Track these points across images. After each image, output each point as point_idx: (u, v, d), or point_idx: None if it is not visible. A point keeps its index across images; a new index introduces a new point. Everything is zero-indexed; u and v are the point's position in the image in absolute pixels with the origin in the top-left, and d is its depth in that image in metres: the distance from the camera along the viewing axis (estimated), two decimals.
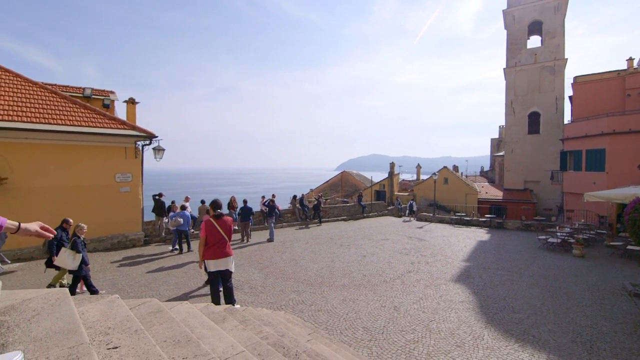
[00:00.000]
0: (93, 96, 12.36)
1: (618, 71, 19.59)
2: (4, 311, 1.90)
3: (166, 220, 11.86)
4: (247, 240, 12.56)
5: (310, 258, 10.12)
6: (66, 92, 11.81)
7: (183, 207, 10.56)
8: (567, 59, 27.55)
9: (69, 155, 10.06)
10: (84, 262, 6.25)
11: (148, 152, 11.88)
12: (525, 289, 7.53)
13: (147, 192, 12.70)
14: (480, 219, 18.95)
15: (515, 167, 30.00)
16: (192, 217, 11.01)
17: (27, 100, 9.95)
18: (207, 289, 6.84)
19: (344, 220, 19.71)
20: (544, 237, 12.69)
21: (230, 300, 5.10)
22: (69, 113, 10.28)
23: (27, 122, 9.24)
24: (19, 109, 9.51)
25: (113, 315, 2.23)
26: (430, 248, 11.87)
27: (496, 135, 48.18)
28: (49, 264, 6.69)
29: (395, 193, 32.30)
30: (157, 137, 11.37)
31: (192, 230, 11.20)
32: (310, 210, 18.44)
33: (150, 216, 12.58)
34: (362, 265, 9.38)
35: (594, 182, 16.33)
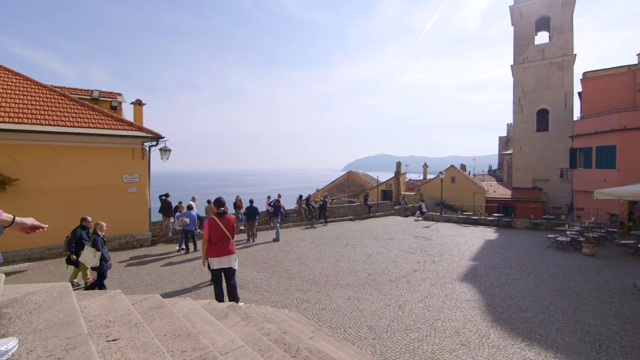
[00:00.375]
0: (101, 98, 12.57)
1: (629, 66, 19.18)
2: (6, 304, 1.95)
3: (173, 220, 11.97)
4: (253, 240, 12.61)
5: (315, 257, 10.12)
6: (75, 94, 12.02)
7: (189, 207, 10.66)
8: (576, 54, 27.08)
9: (77, 157, 10.24)
10: (104, 259, 6.42)
11: (155, 154, 12.05)
12: (533, 287, 7.42)
13: (155, 193, 12.87)
14: (488, 218, 18.73)
15: (523, 166, 29.58)
16: (199, 217, 11.11)
17: (37, 102, 10.15)
18: (212, 287, 6.90)
19: (350, 220, 19.68)
20: (552, 235, 12.48)
21: (233, 297, 5.13)
22: (77, 115, 10.46)
23: (37, 124, 9.43)
24: (29, 111, 9.71)
25: (114, 310, 2.26)
26: (437, 247, 11.77)
27: (504, 134, 47.60)
28: (69, 261, 6.97)
29: (402, 193, 32.12)
30: (163, 138, 11.50)
31: (199, 230, 11.30)
32: (316, 210, 18.45)
33: (157, 216, 12.73)
34: (367, 264, 9.35)
35: (604, 179, 16.01)
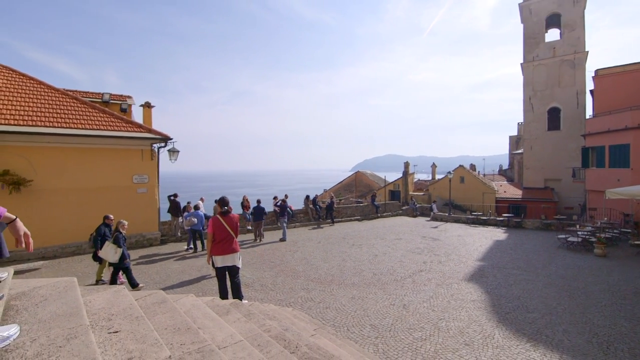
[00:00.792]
0: (111, 101, 12.86)
1: None
2: (15, 296, 2.04)
3: (181, 220, 12.16)
4: (260, 240, 12.71)
5: (321, 257, 10.16)
6: (86, 97, 12.34)
7: (197, 207, 10.82)
8: (587, 51, 26.50)
9: (89, 158, 10.51)
10: (124, 256, 6.71)
11: (164, 155, 12.26)
12: (541, 288, 7.31)
13: (165, 193, 13.10)
14: (498, 218, 18.48)
15: (534, 165, 29.08)
16: (206, 217, 11.27)
17: (50, 106, 10.46)
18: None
19: (358, 220, 19.65)
20: (563, 236, 12.26)
21: (237, 295, 5.21)
22: (88, 117, 10.73)
23: (50, 126, 9.71)
24: (42, 114, 10.01)
25: (117, 304, 2.34)
26: (444, 247, 11.68)
27: (515, 133, 46.87)
28: (95, 257, 7.25)
29: (410, 193, 31.92)
30: (172, 139, 11.71)
31: (206, 230, 11.46)
32: (323, 210, 18.48)
33: (166, 216, 12.95)
34: (373, 264, 9.34)
35: (618, 178, 15.65)
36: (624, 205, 14.78)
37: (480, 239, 13.42)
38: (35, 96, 10.59)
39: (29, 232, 1.88)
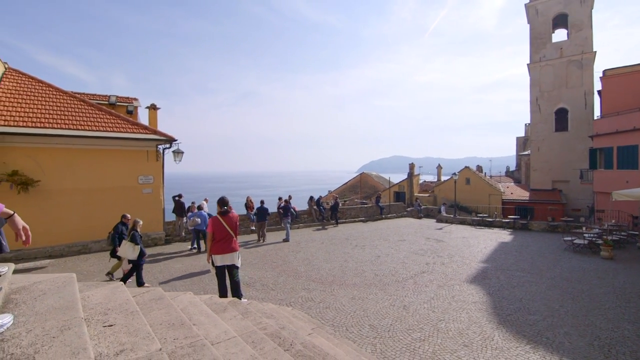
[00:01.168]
0: (117, 103, 13.09)
1: None
2: (15, 290, 2.11)
3: (185, 220, 12.30)
4: (263, 241, 12.79)
5: (323, 258, 10.18)
6: (93, 99, 12.58)
7: (200, 208, 10.94)
8: (595, 51, 26.16)
9: (95, 159, 10.71)
10: (142, 253, 6.97)
11: (169, 156, 12.43)
12: (545, 290, 7.24)
13: (171, 194, 13.23)
14: (504, 220, 18.29)
15: (542, 167, 28.75)
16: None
17: (58, 108, 10.69)
18: None
19: (362, 221, 19.63)
20: (569, 238, 12.10)
21: (236, 294, 5.26)
22: (95, 119, 10.94)
23: (58, 128, 9.93)
24: (50, 116, 10.24)
25: (114, 299, 2.40)
26: (448, 249, 11.61)
27: (522, 134, 46.40)
28: (113, 254, 7.48)
29: (415, 194, 31.78)
30: (176, 140, 11.87)
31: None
32: (327, 211, 18.51)
33: (171, 216, 13.10)
34: (375, 265, 9.33)
35: (626, 180, 15.41)
36: (633, 208, 14.54)
37: (485, 241, 13.31)
38: (43, 98, 10.83)
39: (27, 226, 1.94)
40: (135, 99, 13.64)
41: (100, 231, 10.73)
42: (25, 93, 10.70)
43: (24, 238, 1.88)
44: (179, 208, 12.63)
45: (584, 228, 13.87)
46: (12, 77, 11.17)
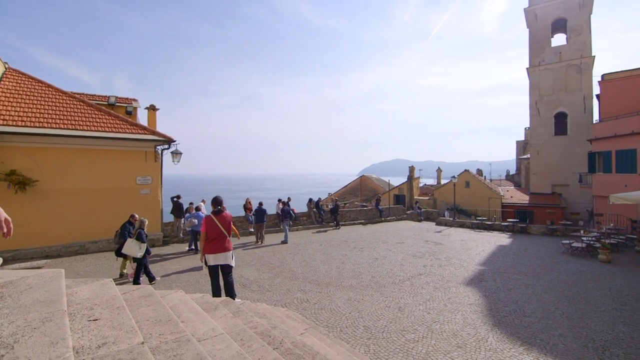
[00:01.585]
0: (117, 104, 13.14)
1: None
2: (2, 285, 2.12)
3: (183, 222, 12.30)
4: (261, 242, 12.77)
5: (321, 260, 10.17)
6: (92, 100, 12.63)
7: (197, 209, 10.95)
8: (594, 56, 26.24)
9: (93, 159, 10.74)
10: (147, 252, 7.24)
11: (169, 158, 12.46)
12: (541, 293, 7.22)
13: (171, 195, 13.23)
14: (503, 223, 18.27)
15: (541, 170, 28.74)
16: None
17: (57, 108, 10.74)
18: None
19: (361, 224, 19.61)
20: (567, 241, 12.08)
21: (230, 294, 5.25)
22: (94, 120, 10.98)
23: (56, 128, 9.96)
24: (49, 116, 10.28)
25: (101, 295, 2.41)
26: (446, 252, 11.59)
27: (522, 138, 46.43)
28: (118, 253, 7.60)
29: (415, 197, 31.76)
30: (175, 141, 11.90)
31: None
32: (326, 213, 18.50)
33: (169, 217, 13.10)
34: (372, 267, 9.32)
35: (625, 184, 15.40)
36: (632, 211, 14.53)
37: (484, 244, 13.29)
38: (43, 98, 10.89)
39: (9, 218, 1.95)
40: (135, 100, 13.70)
41: (97, 232, 10.76)
42: (24, 93, 10.76)
43: (5, 230, 1.89)
44: (177, 209, 12.63)
45: (582, 231, 13.85)
46: (12, 77, 11.23)
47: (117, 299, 2.35)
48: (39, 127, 9.72)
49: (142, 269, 7.30)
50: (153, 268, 8.97)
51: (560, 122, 27.84)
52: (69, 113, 10.73)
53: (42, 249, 9.80)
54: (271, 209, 15.49)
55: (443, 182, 35.54)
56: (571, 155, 26.94)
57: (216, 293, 5.24)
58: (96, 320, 2.00)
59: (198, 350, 1.98)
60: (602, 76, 19.53)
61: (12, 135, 9.34)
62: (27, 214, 9.61)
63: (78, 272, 8.52)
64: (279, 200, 15.07)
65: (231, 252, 5.32)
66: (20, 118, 9.71)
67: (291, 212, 15.60)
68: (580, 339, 5.02)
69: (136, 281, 7.19)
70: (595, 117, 25.26)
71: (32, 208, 9.59)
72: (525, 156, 38.25)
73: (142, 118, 14.23)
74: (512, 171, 50.68)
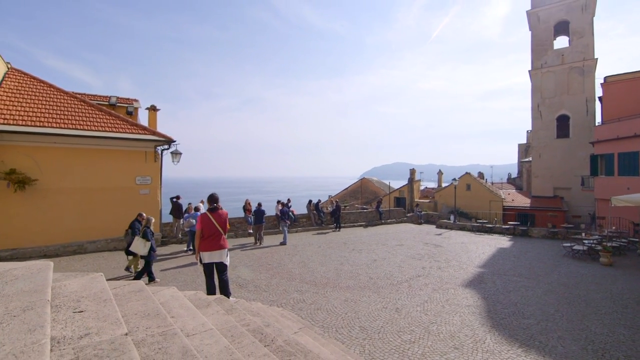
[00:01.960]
0: (118, 104, 13.19)
1: None
2: None
3: (182, 222, 12.29)
4: (260, 243, 12.74)
5: (319, 261, 10.12)
6: (93, 100, 12.68)
7: (196, 209, 10.93)
8: (597, 59, 26.17)
9: (93, 159, 10.76)
10: (152, 249, 7.40)
11: (168, 159, 12.47)
12: (541, 295, 7.15)
13: (170, 196, 13.23)
14: (503, 226, 18.16)
15: (543, 173, 28.59)
16: None
17: (58, 107, 10.78)
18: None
19: (361, 226, 19.54)
20: (569, 244, 11.98)
21: (224, 292, 5.22)
22: (94, 119, 11.02)
23: (56, 127, 10.00)
24: (50, 115, 10.32)
25: (90, 288, 2.39)
26: (446, 254, 11.52)
27: (524, 141, 46.26)
28: (128, 251, 7.90)
29: (416, 200, 31.66)
30: (175, 141, 11.91)
31: None
32: (326, 215, 18.45)
33: (168, 218, 13.09)
34: (371, 268, 9.26)
35: (627, 187, 15.28)
36: (634, 214, 14.41)
37: (484, 247, 13.20)
38: (44, 98, 10.94)
39: None
40: (136, 100, 13.75)
41: (96, 231, 10.77)
42: (26, 92, 10.82)
43: None
44: (177, 209, 12.62)
45: (583, 234, 13.74)
46: (14, 77, 11.30)
47: (105, 292, 2.33)
48: (40, 126, 9.76)
49: (149, 267, 7.51)
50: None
51: (563, 125, 27.73)
52: (69, 113, 10.77)
53: (41, 248, 9.81)
54: (271, 210, 15.47)
55: (444, 185, 35.43)
56: (573, 158, 26.80)
57: (211, 291, 5.21)
58: (81, 312, 1.97)
59: (184, 343, 1.95)
60: (605, 78, 19.46)
61: (13, 134, 9.38)
62: (26, 213, 9.63)
63: (75, 271, 8.48)
64: (278, 202, 15.05)
65: (226, 250, 5.30)
66: (21, 117, 9.76)
67: (290, 213, 15.57)
68: (580, 341, 4.95)
69: (151, 277, 7.51)
70: (598, 119, 25.17)
71: (31, 207, 9.61)
72: (527, 159, 38.10)
73: (143, 119, 14.28)
74: (514, 174, 50.47)
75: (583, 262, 10.52)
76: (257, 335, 3.07)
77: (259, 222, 12.73)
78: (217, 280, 5.44)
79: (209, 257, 5.12)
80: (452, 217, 22.75)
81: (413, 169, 32.97)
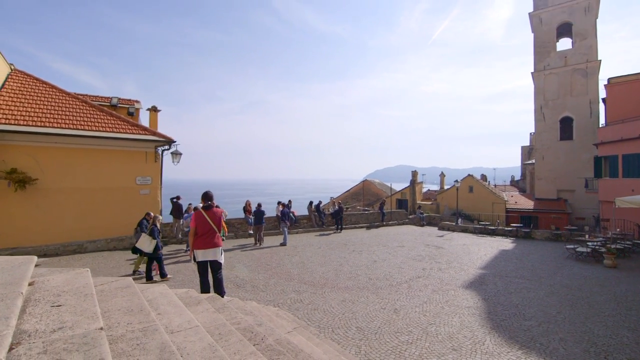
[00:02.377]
0: (119, 105, 13.24)
1: None
2: None
3: (182, 222, 12.27)
4: (260, 244, 12.68)
5: (318, 262, 10.04)
6: (95, 101, 12.73)
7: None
8: (600, 60, 25.97)
9: (94, 159, 10.79)
10: (157, 247, 7.51)
11: (168, 159, 12.48)
12: (543, 297, 7.02)
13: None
14: (506, 228, 17.96)
15: (546, 176, 28.32)
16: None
17: (59, 108, 10.83)
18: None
19: (363, 228, 19.43)
20: (572, 246, 11.80)
21: (219, 291, 5.14)
22: (96, 120, 11.05)
23: (58, 127, 10.03)
24: (51, 115, 10.37)
25: (73, 283, 2.34)
26: (447, 256, 11.39)
27: (527, 144, 45.96)
28: (134, 250, 7.96)
29: (418, 202, 31.49)
30: (175, 142, 11.92)
31: None
32: (327, 216, 18.37)
33: (169, 218, 13.07)
34: (370, 269, 9.17)
35: (632, 189, 15.06)
36: (638, 216, 14.20)
37: (486, 248, 13.05)
38: (46, 99, 11.00)
39: None
40: (137, 101, 13.79)
41: (96, 231, 10.76)
42: (28, 93, 10.88)
43: None
44: (177, 210, 12.60)
45: (587, 236, 13.55)
46: (17, 78, 11.38)
47: (88, 288, 2.28)
48: (41, 126, 9.80)
49: (152, 264, 7.65)
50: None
51: (566, 127, 27.50)
52: (70, 113, 10.81)
53: (41, 247, 9.81)
54: (272, 212, 15.41)
55: (446, 187, 35.24)
56: (577, 160, 26.54)
57: (205, 290, 5.15)
58: (60, 306, 1.92)
59: (164, 339, 1.89)
60: (609, 79, 19.28)
61: (14, 134, 9.42)
62: (27, 213, 9.65)
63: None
64: (279, 203, 14.99)
65: (221, 248, 5.24)
66: (22, 117, 9.80)
67: (291, 214, 15.51)
68: (582, 344, 4.83)
69: (149, 276, 7.59)
70: (602, 121, 24.92)
71: (31, 207, 9.63)
72: (530, 161, 37.83)
73: (145, 120, 14.32)
74: (517, 177, 50.12)
75: (586, 264, 10.35)
76: (247, 333, 3.00)
77: (258, 223, 12.68)
78: (212, 279, 5.38)
79: (202, 255, 5.07)
80: (459, 220, 22.54)
81: (415, 171, 32.84)
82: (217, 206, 5.51)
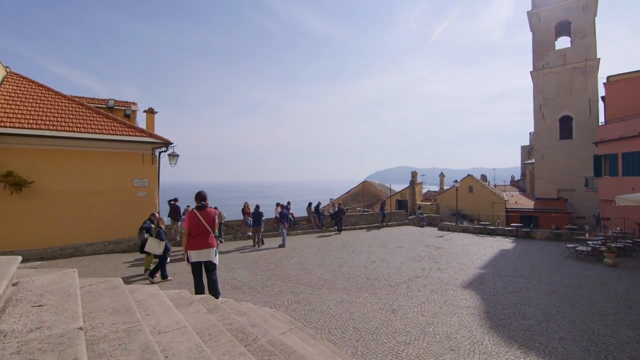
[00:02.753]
0: (116, 107, 13.21)
1: None
2: None
3: (180, 224, 12.22)
4: (259, 246, 12.63)
5: (317, 263, 9.98)
6: (91, 103, 12.71)
7: (187, 209, 10.85)
8: (599, 58, 25.95)
9: (91, 161, 10.74)
10: (167, 249, 7.61)
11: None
12: (542, 296, 6.95)
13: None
14: (506, 228, 17.90)
15: (546, 175, 28.25)
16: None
17: (55, 110, 10.80)
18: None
19: (362, 229, 19.37)
20: (572, 245, 11.74)
21: (213, 292, 5.09)
22: (92, 122, 11.02)
23: (53, 129, 9.99)
24: (47, 118, 10.33)
25: (57, 283, 2.29)
26: (446, 256, 11.32)
27: (527, 143, 45.90)
28: (142, 250, 8.09)
29: (418, 202, 31.42)
30: (172, 143, 11.88)
31: None
32: (326, 218, 18.30)
33: (167, 220, 13.00)
34: (369, 270, 9.10)
35: (632, 187, 14.99)
36: (639, 215, 14.13)
37: (486, 248, 12.98)
38: (42, 101, 10.97)
39: None
40: (134, 103, 13.77)
41: (93, 234, 10.71)
42: (24, 96, 10.85)
43: None
44: (175, 212, 12.56)
45: (587, 235, 13.47)
46: (12, 80, 11.36)
47: (73, 288, 2.23)
48: (37, 128, 9.76)
49: (164, 264, 7.70)
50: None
51: (565, 126, 27.46)
52: (66, 115, 10.78)
53: (38, 250, 9.75)
54: (271, 213, 15.35)
55: (446, 188, 35.17)
56: (577, 159, 26.47)
57: (199, 291, 5.09)
58: (40, 306, 1.88)
59: (147, 340, 1.84)
60: (608, 77, 19.24)
61: (10, 136, 9.39)
62: (23, 216, 9.60)
63: None
64: (278, 204, 14.93)
65: (215, 248, 5.18)
66: (18, 120, 9.77)
67: (290, 216, 15.45)
68: (582, 343, 4.76)
69: (153, 275, 7.64)
70: (601, 120, 24.88)
71: (27, 210, 9.58)
72: (530, 161, 37.77)
73: (142, 122, 14.30)
74: (517, 177, 50.04)
75: (587, 263, 10.28)
76: (238, 334, 2.95)
77: (257, 224, 12.62)
78: (206, 280, 5.33)
79: (196, 255, 5.01)
80: (464, 222, 22.52)
81: (415, 171, 32.79)
82: (216, 207, 5.46)
